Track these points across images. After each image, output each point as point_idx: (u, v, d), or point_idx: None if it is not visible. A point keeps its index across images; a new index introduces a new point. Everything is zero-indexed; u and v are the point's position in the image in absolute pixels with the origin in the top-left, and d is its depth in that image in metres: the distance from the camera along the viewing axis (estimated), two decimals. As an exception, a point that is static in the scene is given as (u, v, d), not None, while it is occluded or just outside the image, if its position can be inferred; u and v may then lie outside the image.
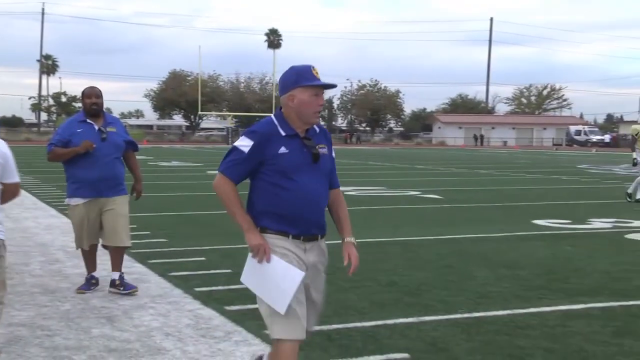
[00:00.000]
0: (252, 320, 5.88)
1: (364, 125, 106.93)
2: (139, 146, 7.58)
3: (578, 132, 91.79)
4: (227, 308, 6.24)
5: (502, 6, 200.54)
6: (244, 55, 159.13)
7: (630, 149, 16.75)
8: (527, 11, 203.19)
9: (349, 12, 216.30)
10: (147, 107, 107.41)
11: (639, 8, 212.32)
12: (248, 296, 6.71)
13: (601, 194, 18.79)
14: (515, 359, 5.05)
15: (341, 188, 4.12)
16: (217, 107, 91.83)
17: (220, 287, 7.01)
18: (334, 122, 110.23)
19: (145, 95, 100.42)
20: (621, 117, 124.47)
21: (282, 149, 3.77)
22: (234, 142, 3.88)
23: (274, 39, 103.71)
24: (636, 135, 16.32)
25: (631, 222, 12.47)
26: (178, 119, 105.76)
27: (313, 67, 3.87)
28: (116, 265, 6.90)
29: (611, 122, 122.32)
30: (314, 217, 3.83)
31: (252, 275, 3.85)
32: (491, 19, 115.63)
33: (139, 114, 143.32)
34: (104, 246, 7.05)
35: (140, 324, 5.75)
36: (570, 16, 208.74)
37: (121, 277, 6.85)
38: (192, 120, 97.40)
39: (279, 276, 3.72)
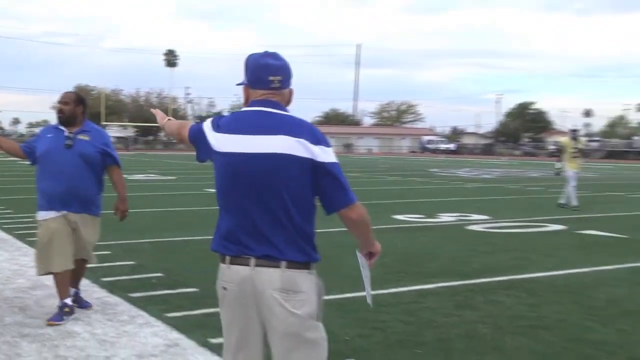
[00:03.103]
0: (153, 305, 5.83)
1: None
2: None
3: (429, 142, 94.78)
4: (131, 295, 6.15)
5: (368, 34, 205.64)
6: (145, 73, 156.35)
7: (557, 159, 15.91)
8: (388, 38, 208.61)
9: (234, 35, 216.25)
10: (54, 118, 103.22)
11: (477, 39, 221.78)
12: (150, 284, 6.68)
13: (448, 193, 19.52)
14: (379, 330, 5.22)
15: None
16: (119, 118, 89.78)
17: (124, 277, 6.89)
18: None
19: (52, 107, 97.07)
20: (463, 129, 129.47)
21: None
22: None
23: (171, 59, 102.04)
24: (564, 146, 15.52)
25: (471, 216, 13.03)
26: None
27: None
28: (73, 280, 5.61)
29: (455, 133, 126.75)
30: None
31: (368, 285, 3.03)
32: (358, 45, 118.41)
33: (45, 124, 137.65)
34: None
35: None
36: (423, 44, 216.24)
37: (76, 294, 5.64)
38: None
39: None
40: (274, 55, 2.76)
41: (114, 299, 6.04)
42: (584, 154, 15.58)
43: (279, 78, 2.71)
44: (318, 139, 2.63)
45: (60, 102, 5.49)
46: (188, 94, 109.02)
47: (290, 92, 2.79)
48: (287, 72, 2.75)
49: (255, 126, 2.66)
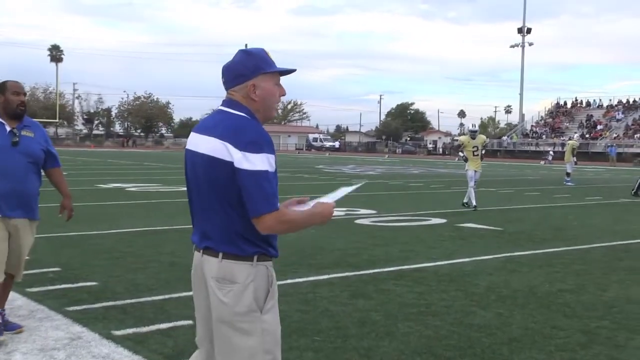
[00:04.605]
0: (52, 299, 5.62)
1: (139, 131, 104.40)
2: None
3: (315, 139, 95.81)
4: (28, 290, 5.89)
5: (255, 34, 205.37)
6: (29, 68, 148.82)
7: (456, 156, 15.71)
8: (274, 39, 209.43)
9: (123, 33, 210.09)
10: None
11: (358, 42, 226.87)
12: (47, 279, 6.41)
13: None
14: (278, 320, 5.26)
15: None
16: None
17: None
18: (112, 128, 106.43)
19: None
20: (347, 127, 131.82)
21: None
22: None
23: (56, 54, 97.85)
24: (462, 144, 15.32)
25: (359, 211, 13.30)
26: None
27: (266, 51, 2.72)
28: (0, 300, 4.81)
29: (339, 132, 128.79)
30: None
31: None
32: (245, 45, 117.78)
33: None
34: None
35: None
36: (308, 45, 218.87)
37: (2, 315, 4.77)
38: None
39: None
40: (235, 55, 2.71)
41: (10, 294, 5.74)
42: (482, 154, 15.36)
43: (224, 79, 2.70)
44: (244, 145, 2.50)
45: (21, 92, 4.74)
46: (76, 89, 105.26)
47: (249, 88, 2.63)
48: (230, 71, 2.67)
49: (204, 125, 2.70)
